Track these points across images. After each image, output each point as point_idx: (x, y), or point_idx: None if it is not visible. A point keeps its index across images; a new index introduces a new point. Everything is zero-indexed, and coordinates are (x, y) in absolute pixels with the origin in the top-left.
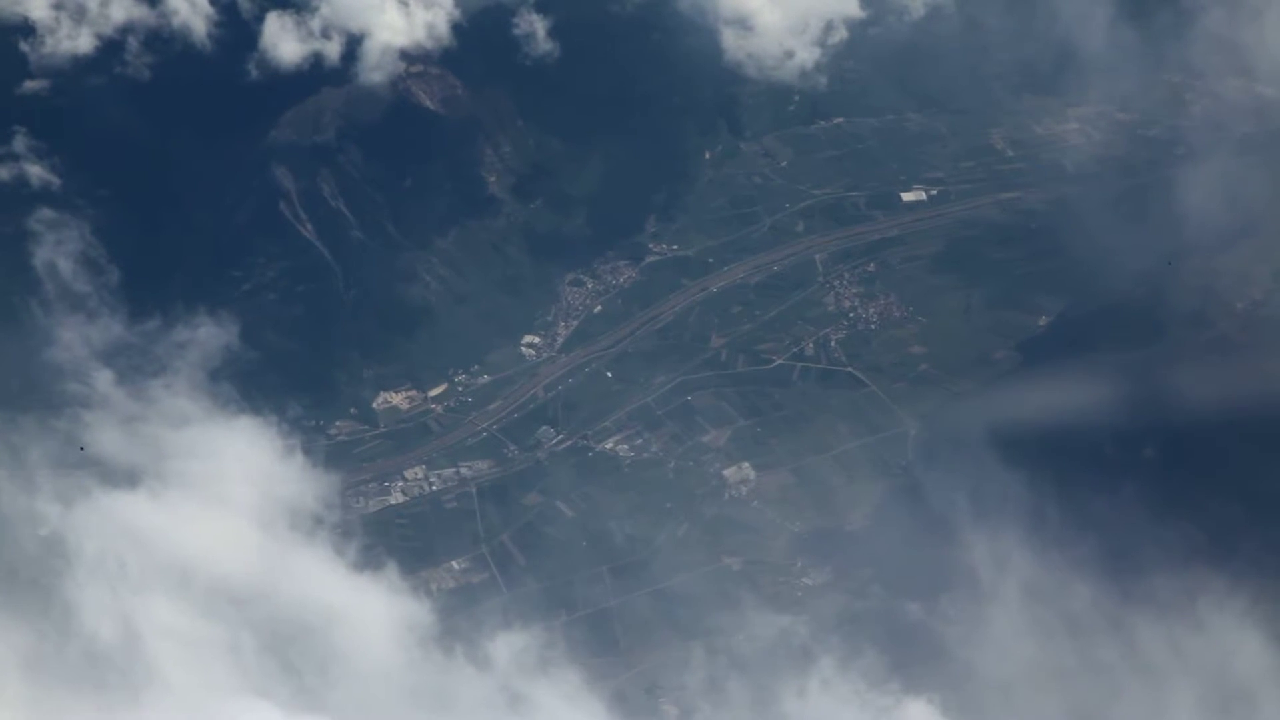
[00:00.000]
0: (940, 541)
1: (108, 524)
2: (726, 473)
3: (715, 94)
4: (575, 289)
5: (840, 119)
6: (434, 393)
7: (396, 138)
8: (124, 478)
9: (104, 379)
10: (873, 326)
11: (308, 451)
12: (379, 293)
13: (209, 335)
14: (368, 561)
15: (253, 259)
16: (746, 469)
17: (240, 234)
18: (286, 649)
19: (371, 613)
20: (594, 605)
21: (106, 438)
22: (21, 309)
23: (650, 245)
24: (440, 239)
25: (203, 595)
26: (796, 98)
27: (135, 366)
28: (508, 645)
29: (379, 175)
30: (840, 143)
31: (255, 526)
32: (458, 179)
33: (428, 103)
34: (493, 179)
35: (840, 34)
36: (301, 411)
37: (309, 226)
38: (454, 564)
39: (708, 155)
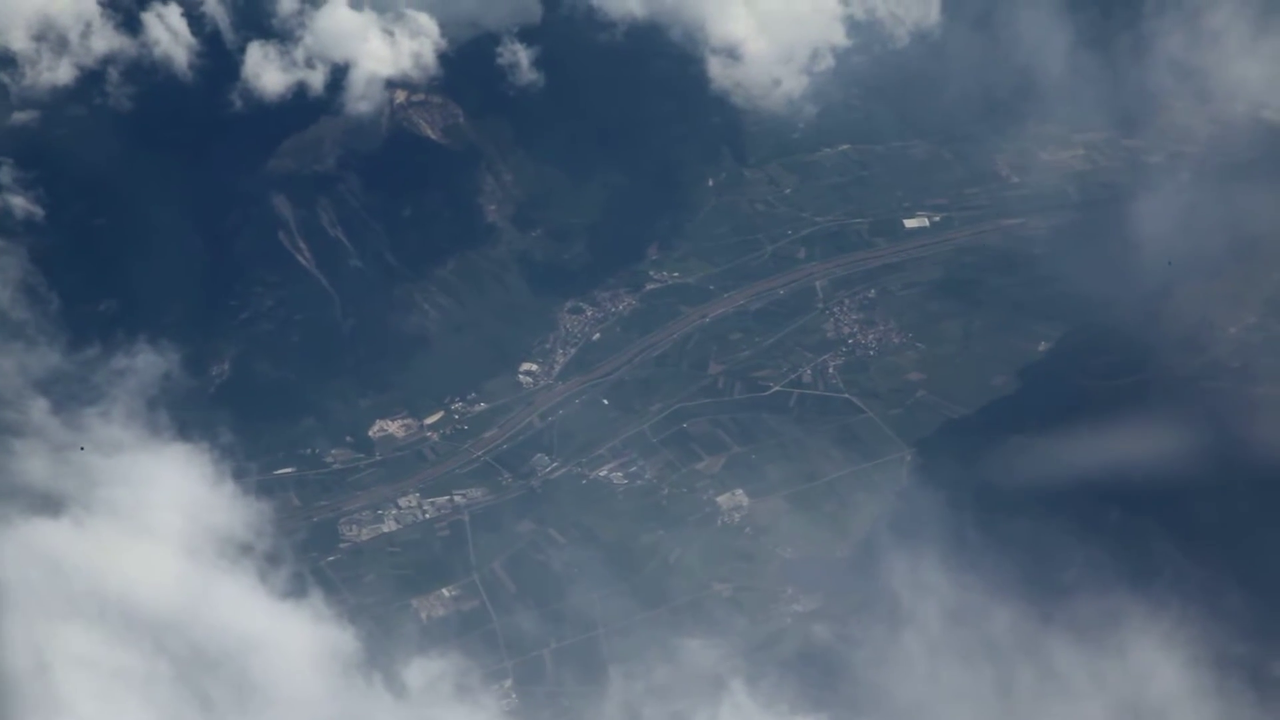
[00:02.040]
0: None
1: (25, 552)
2: (720, 500)
3: (719, 121)
4: (574, 316)
5: (846, 145)
6: (430, 421)
7: (396, 167)
8: (48, 506)
9: (39, 407)
10: (871, 353)
11: (239, 478)
12: (377, 321)
13: (148, 363)
14: (295, 589)
15: (250, 288)
16: (740, 496)
17: (238, 263)
18: (203, 678)
19: (293, 641)
20: (582, 632)
21: (34, 466)
22: None
23: (651, 273)
24: (440, 268)
25: (119, 624)
26: (801, 125)
27: (72, 395)
28: (423, 672)
29: (378, 204)
30: (845, 170)
31: (180, 554)
32: (457, 208)
33: (428, 132)
34: (493, 208)
35: (827, 61)
36: (275, 439)
37: (307, 255)
38: (445, 591)
39: (711, 182)
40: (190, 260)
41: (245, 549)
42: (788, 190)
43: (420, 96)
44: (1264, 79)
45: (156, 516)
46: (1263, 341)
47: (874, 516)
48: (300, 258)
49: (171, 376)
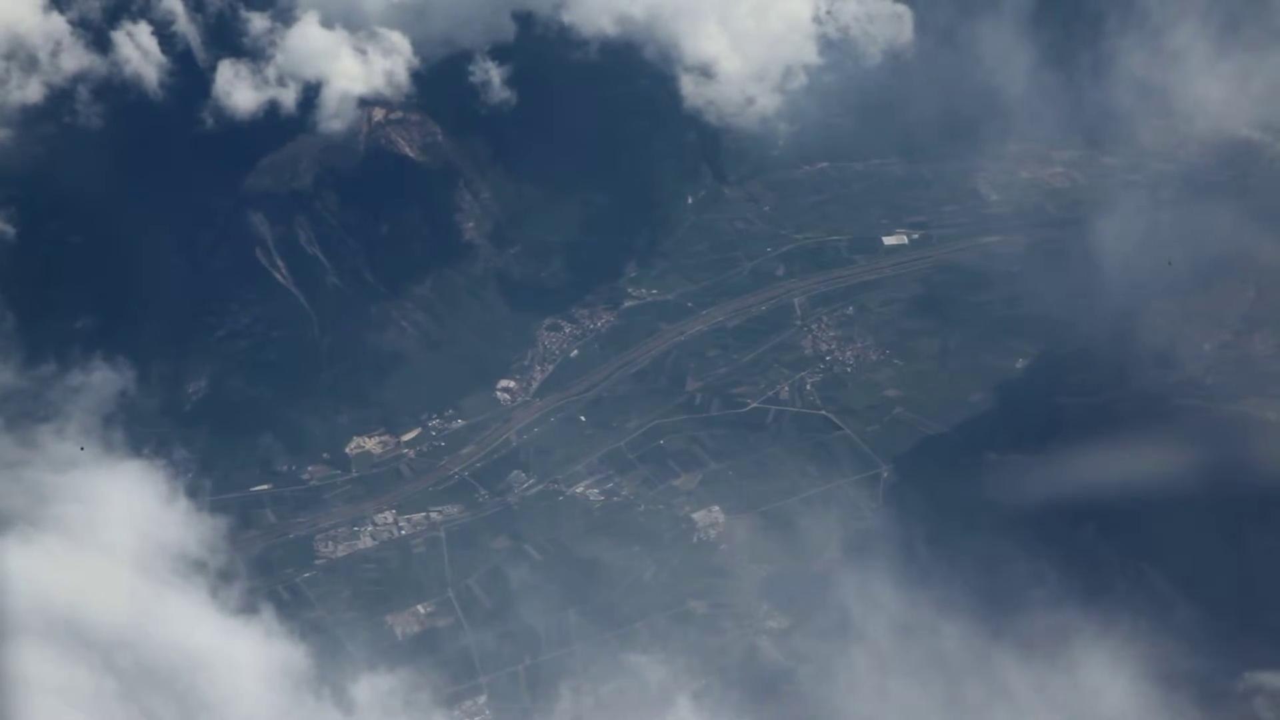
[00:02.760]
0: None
1: None
2: (696, 516)
3: (697, 139)
4: (553, 334)
5: (825, 163)
6: (407, 437)
7: (374, 184)
8: None
9: None
10: (849, 370)
11: (193, 495)
12: (354, 338)
13: (104, 380)
14: (247, 606)
15: (227, 305)
16: (716, 512)
17: (215, 281)
18: (150, 695)
19: (243, 657)
20: (557, 649)
21: None
22: None
23: (630, 290)
24: (418, 285)
25: (66, 641)
26: (780, 142)
27: (25, 411)
28: (373, 688)
29: (356, 222)
30: (824, 187)
31: (131, 571)
32: (436, 225)
33: (407, 149)
34: (471, 225)
35: (800, 80)
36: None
37: (285, 273)
38: (419, 608)
39: (690, 200)
40: (167, 278)
41: (199, 566)
42: (767, 207)
43: (398, 114)
44: (1228, 96)
45: (108, 533)
46: (1237, 358)
47: (849, 533)
48: (278, 275)
49: (128, 394)
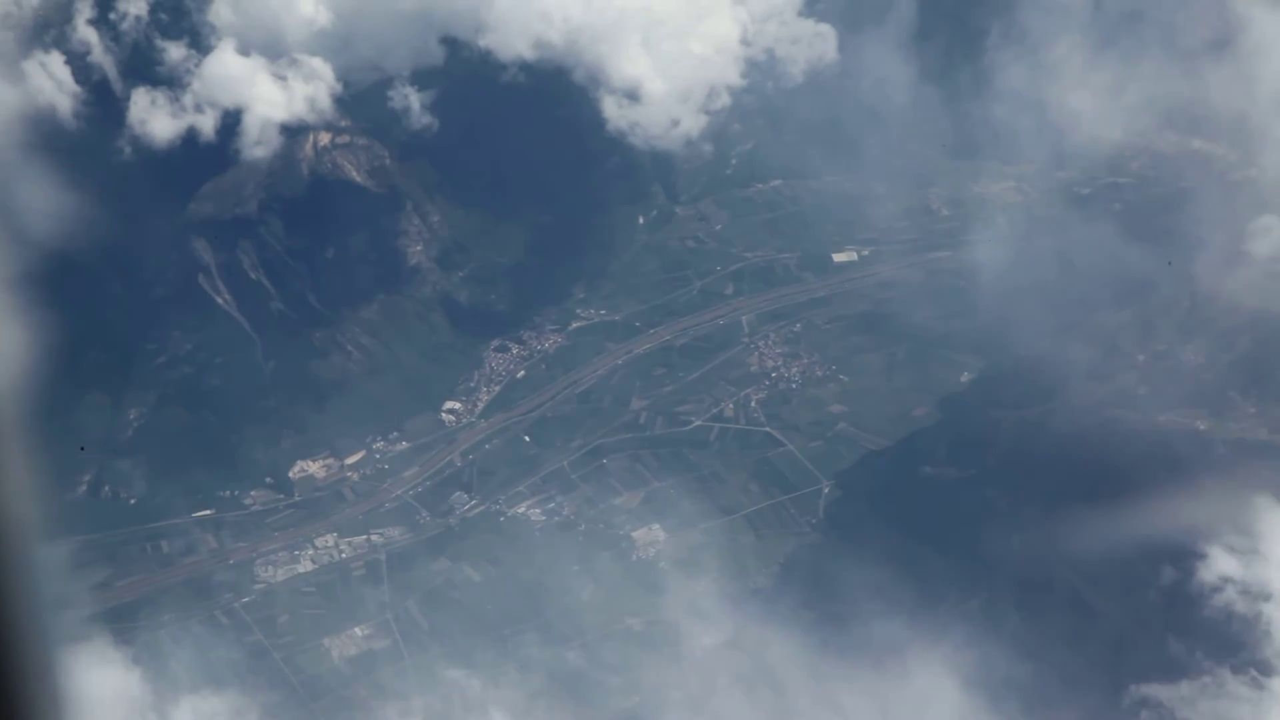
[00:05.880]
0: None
1: None
2: (636, 535)
3: (650, 159)
4: (500, 355)
5: (778, 181)
6: (351, 460)
7: (320, 209)
8: None
9: None
10: (794, 386)
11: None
12: (299, 363)
13: None
14: (80, 633)
15: (169, 332)
16: (656, 530)
17: (156, 308)
18: None
19: (75, 685)
20: (491, 670)
21: None
22: None
23: (578, 310)
24: (364, 309)
25: None
26: (734, 160)
27: None
28: (194, 712)
29: (301, 247)
30: (777, 205)
31: None
32: (383, 249)
33: (353, 174)
34: (419, 249)
35: (723, 100)
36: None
37: (228, 298)
38: (357, 630)
39: (641, 220)
40: (106, 306)
41: None
42: (718, 226)
43: (345, 139)
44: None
45: None
46: (1169, 369)
47: (787, 550)
48: (220, 300)
49: (67, 421)
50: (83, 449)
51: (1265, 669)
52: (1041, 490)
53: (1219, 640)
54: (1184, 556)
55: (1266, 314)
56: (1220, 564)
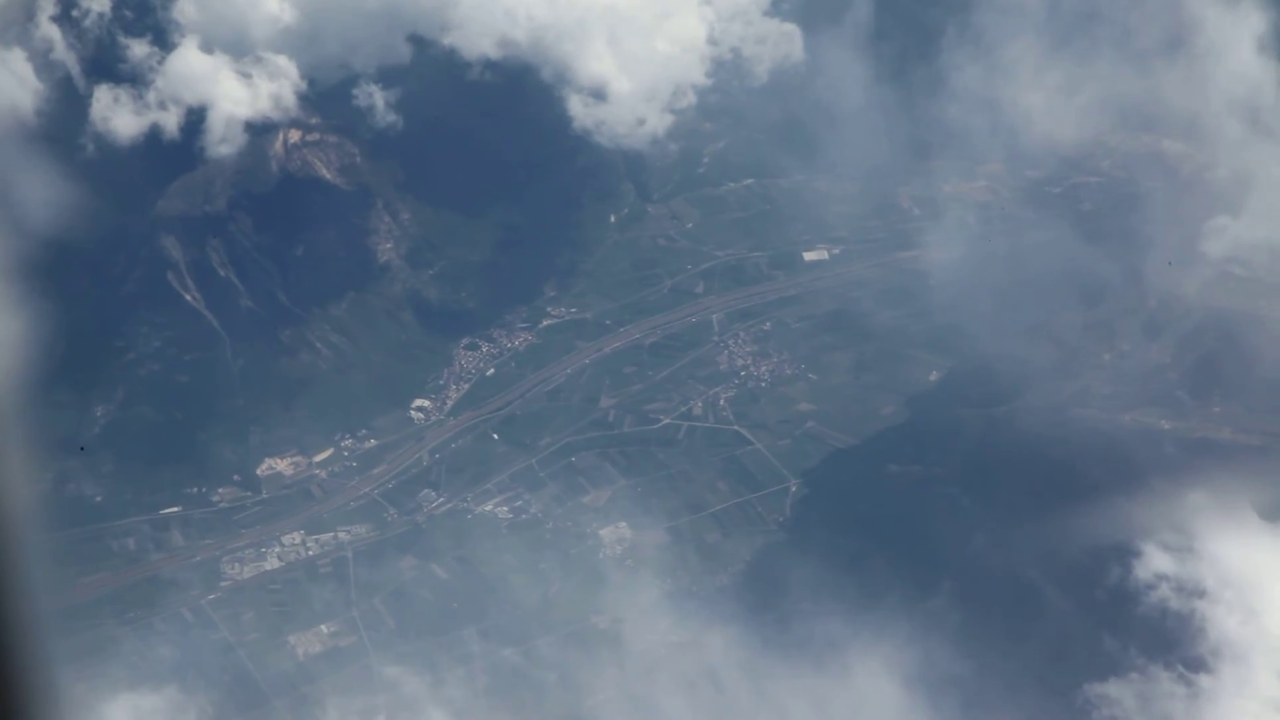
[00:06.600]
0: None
1: None
2: (603, 533)
3: (621, 158)
4: (470, 353)
5: (750, 180)
6: (319, 458)
7: (290, 206)
8: None
9: None
10: (763, 384)
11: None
12: (268, 360)
13: None
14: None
15: (137, 329)
16: (624, 528)
17: (125, 305)
18: None
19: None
20: (459, 665)
21: None
22: None
23: (549, 309)
24: (334, 306)
25: None
26: (706, 159)
27: None
28: (128, 709)
29: (271, 244)
30: (748, 204)
31: None
32: (353, 247)
33: (323, 171)
34: (389, 246)
35: (689, 99)
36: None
37: (197, 295)
38: (323, 628)
39: (613, 219)
40: (74, 303)
41: None
42: (690, 225)
43: (315, 136)
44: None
45: None
46: (1134, 368)
47: (753, 548)
48: (189, 297)
49: (34, 418)
50: (82, 449)
51: (1195, 666)
52: (1004, 488)
53: (1153, 637)
54: (1124, 555)
55: (1225, 313)
56: (1155, 561)
